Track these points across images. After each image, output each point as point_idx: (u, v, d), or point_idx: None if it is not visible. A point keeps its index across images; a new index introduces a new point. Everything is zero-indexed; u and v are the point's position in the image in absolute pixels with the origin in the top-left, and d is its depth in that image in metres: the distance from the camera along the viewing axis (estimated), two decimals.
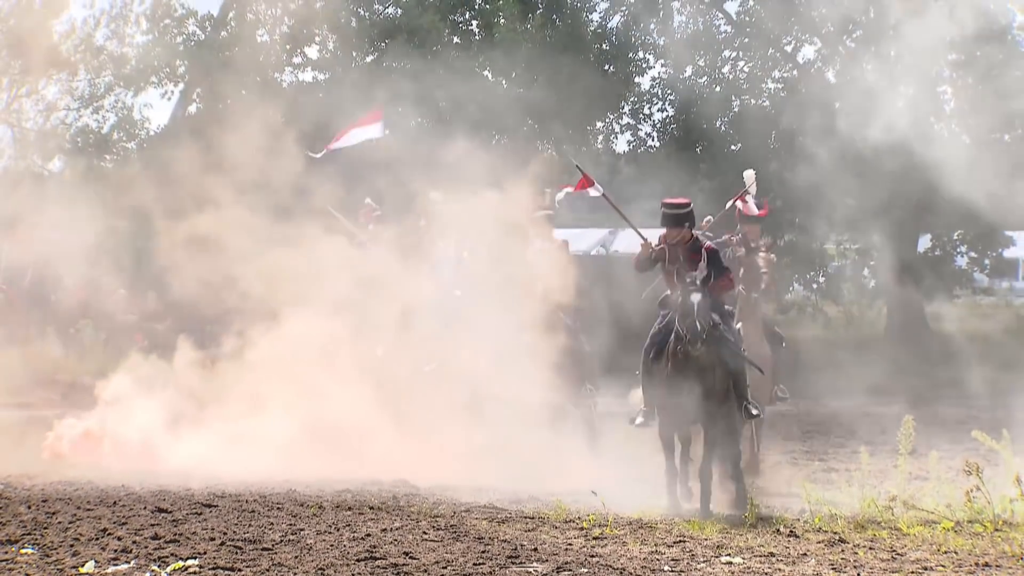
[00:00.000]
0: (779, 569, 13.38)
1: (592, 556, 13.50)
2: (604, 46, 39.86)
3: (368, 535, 14.23)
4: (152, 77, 38.31)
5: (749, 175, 20.59)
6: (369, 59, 38.77)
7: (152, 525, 14.52)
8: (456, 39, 39.04)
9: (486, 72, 38.84)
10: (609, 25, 40.42)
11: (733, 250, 20.36)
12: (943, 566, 13.54)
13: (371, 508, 16.05)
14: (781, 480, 20.01)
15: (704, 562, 13.51)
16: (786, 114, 37.39)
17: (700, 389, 16.73)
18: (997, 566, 13.77)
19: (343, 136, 23.60)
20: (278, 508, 15.84)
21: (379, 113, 24.38)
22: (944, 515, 16.25)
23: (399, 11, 38.80)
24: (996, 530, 15.72)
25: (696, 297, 16.62)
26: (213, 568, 12.53)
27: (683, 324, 16.58)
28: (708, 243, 17.43)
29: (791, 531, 15.15)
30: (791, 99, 38.42)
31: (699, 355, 16.63)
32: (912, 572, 13.17)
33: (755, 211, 20.74)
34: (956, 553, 14.34)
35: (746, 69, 40.06)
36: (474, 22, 39.46)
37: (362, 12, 39.00)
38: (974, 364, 29.83)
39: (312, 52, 39.43)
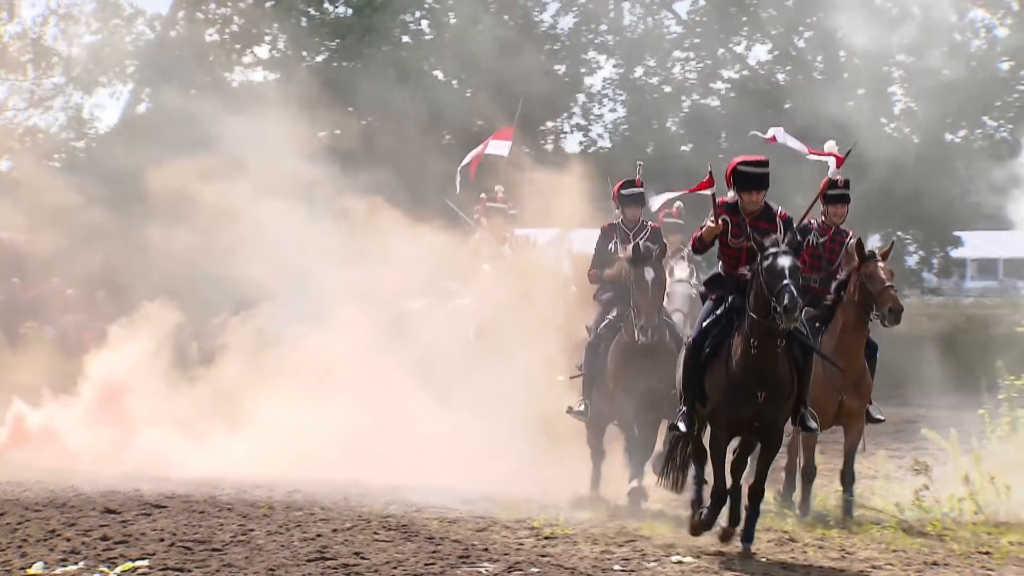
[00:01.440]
0: (729, 568, 13.44)
1: (543, 556, 13.53)
2: (555, 46, 39.92)
3: (319, 535, 14.23)
4: (101, 77, 38.14)
5: (829, 145, 17.69)
6: (319, 59, 38.71)
7: (101, 526, 14.49)
8: (407, 39, 39.01)
9: (437, 72, 38.86)
10: (560, 25, 40.49)
11: (816, 235, 17.26)
12: (891, 565, 13.65)
13: (322, 508, 16.04)
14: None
15: (655, 561, 13.55)
16: (736, 114, 37.55)
17: (771, 391, 13.90)
18: (945, 564, 13.88)
19: (475, 154, 22.95)
20: (228, 509, 15.81)
21: (511, 132, 23.60)
22: (893, 514, 16.36)
23: (349, 11, 38.77)
24: (944, 529, 15.84)
25: (786, 260, 13.58)
26: (163, 569, 12.51)
27: (772, 294, 13.44)
28: (782, 210, 14.48)
29: None
30: (741, 99, 38.58)
31: (777, 349, 13.75)
32: (861, 571, 13.26)
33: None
34: (905, 552, 14.45)
35: (696, 69, 40.16)
36: (424, 22, 39.46)
37: (312, 12, 38.95)
38: (923, 363, 29.99)
39: (262, 52, 39.36)
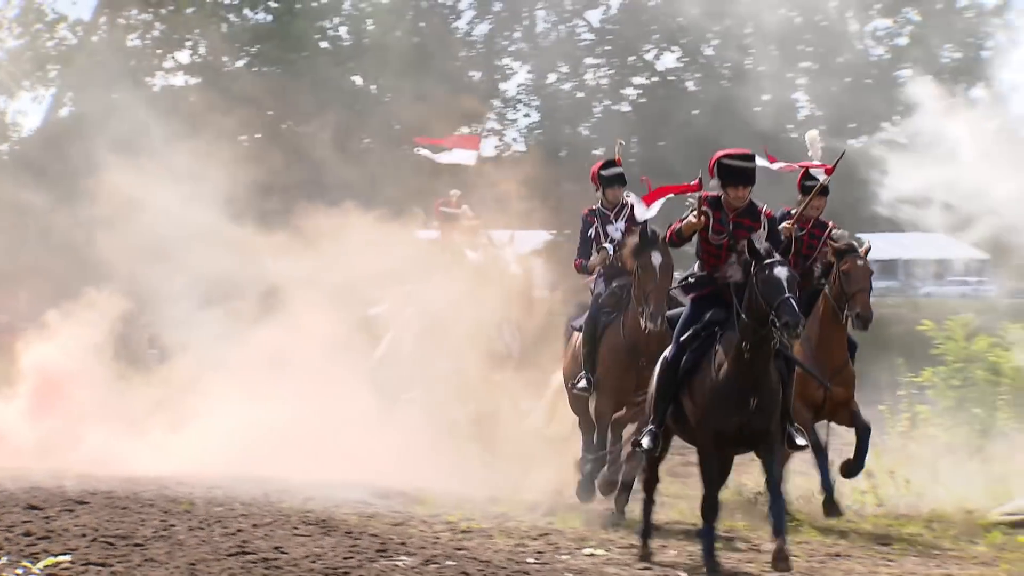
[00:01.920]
0: (640, 560, 13.71)
1: (459, 549, 13.69)
2: (471, 53, 40.18)
3: (239, 530, 14.27)
4: (24, 81, 37.98)
5: (812, 135, 16.66)
6: (240, 64, 38.72)
7: (24, 522, 14.38)
8: (325, 45, 39.11)
9: (355, 77, 39.02)
10: (475, 32, 40.75)
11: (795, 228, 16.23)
12: (796, 556, 13.86)
13: (242, 504, 16.09)
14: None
15: (567, 554, 13.78)
16: (646, 118, 38.00)
17: (762, 397, 13.13)
18: (848, 556, 14.26)
19: (442, 146, 22.53)
20: (150, 505, 15.77)
21: (476, 140, 23.35)
22: (799, 507, 16.68)
23: (270, 17, 38.81)
24: (847, 521, 16.22)
25: (783, 272, 12.79)
26: (85, 564, 12.49)
27: (771, 307, 12.59)
28: (766, 207, 13.70)
29: None
30: (651, 105, 39.03)
31: (771, 352, 12.97)
32: (767, 563, 13.44)
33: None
34: (809, 543, 14.80)
35: (608, 75, 40.49)
36: (342, 28, 39.55)
37: (232, 18, 38.94)
38: None
39: (183, 56, 39.29)
